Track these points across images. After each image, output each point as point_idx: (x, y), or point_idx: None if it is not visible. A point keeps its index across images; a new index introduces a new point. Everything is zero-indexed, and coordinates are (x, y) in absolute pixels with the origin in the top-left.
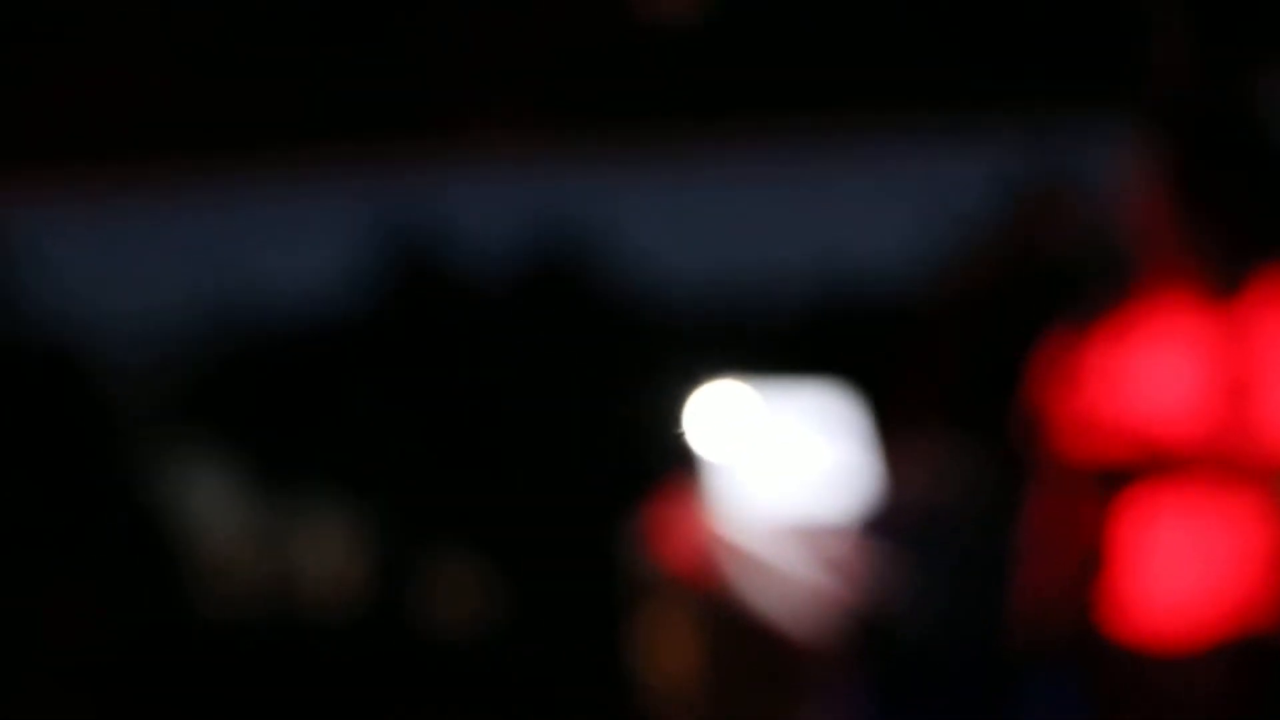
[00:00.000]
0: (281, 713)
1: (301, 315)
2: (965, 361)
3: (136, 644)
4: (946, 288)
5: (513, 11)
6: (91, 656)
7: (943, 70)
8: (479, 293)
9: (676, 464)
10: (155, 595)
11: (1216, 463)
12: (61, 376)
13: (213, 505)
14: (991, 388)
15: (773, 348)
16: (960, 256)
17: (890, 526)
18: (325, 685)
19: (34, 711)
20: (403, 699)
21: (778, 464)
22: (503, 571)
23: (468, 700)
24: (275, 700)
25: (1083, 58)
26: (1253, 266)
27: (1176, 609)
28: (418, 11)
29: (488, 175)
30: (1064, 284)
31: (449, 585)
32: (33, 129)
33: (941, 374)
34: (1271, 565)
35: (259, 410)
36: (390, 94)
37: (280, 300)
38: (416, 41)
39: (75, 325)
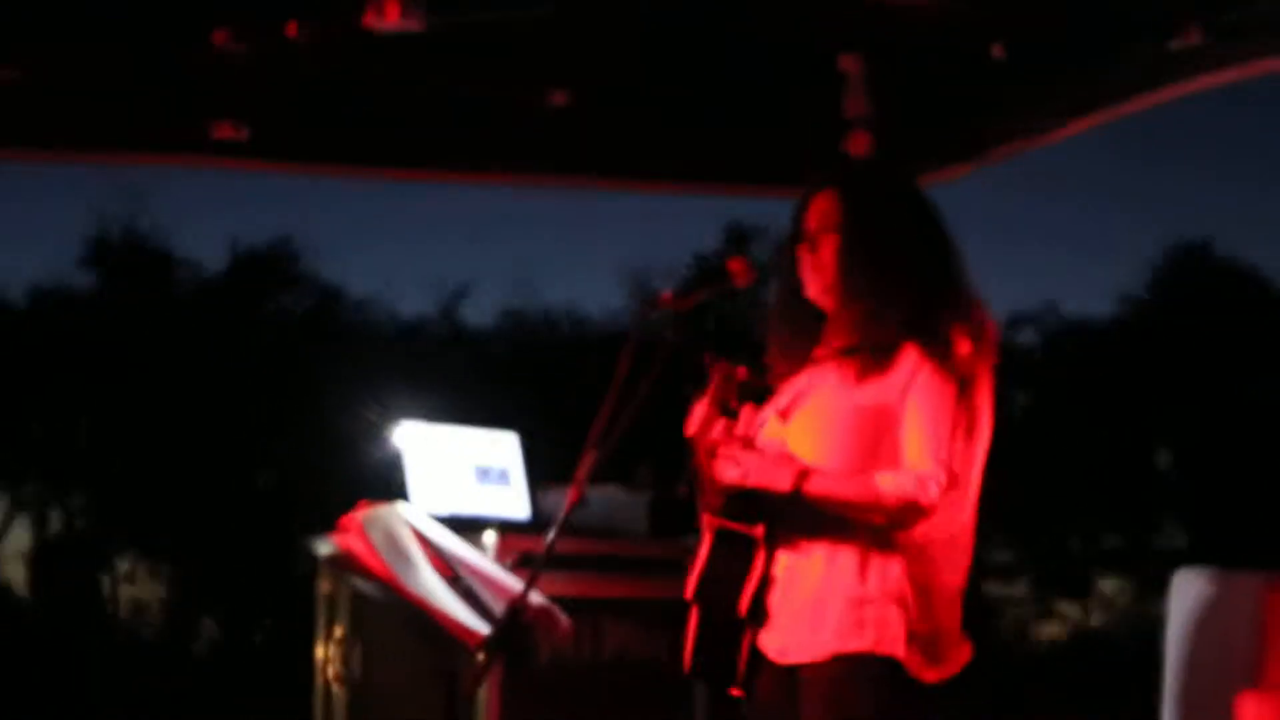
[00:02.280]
0: None
1: (22, 295)
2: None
3: None
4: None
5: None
6: None
7: (669, 133)
8: (183, 288)
9: (364, 482)
10: None
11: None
12: None
13: None
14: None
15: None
16: (657, 306)
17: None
18: None
19: None
20: (95, 688)
21: (450, 491)
22: (188, 565)
23: (147, 689)
24: None
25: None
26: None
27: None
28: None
29: (204, 183)
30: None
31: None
32: None
33: (613, 419)
34: None
35: None
36: (116, 106)
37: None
38: (147, 58)
39: None
